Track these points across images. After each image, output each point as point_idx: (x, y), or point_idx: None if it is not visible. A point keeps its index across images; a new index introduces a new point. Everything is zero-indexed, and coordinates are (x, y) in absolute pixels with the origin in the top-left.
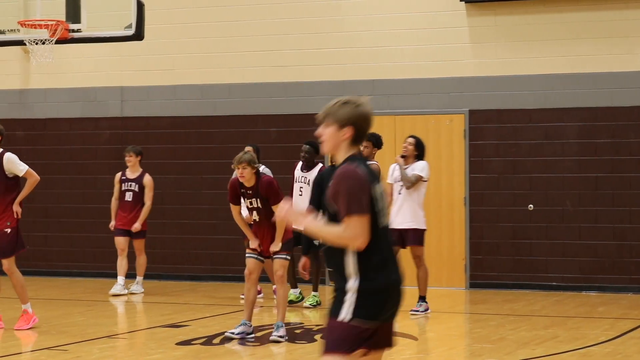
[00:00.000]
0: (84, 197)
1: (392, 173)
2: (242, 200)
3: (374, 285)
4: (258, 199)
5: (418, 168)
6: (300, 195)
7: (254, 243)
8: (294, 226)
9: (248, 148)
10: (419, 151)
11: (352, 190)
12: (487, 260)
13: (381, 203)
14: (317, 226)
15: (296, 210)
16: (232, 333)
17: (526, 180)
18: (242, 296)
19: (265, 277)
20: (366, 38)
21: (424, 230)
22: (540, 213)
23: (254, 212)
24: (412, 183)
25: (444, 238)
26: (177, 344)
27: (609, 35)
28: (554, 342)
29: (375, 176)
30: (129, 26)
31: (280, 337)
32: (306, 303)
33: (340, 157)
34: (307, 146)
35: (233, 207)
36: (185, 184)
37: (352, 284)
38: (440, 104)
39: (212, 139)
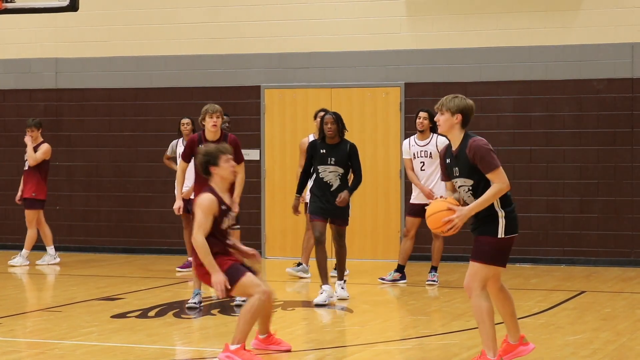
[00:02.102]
0: (18, 170)
1: (408, 148)
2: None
3: (510, 209)
4: None
5: (441, 144)
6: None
7: (178, 203)
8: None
9: (185, 120)
10: (433, 124)
11: (488, 152)
12: (422, 232)
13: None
14: (478, 204)
15: (462, 214)
16: (195, 303)
17: None
18: (178, 269)
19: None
20: (303, 10)
21: None
22: None
23: None
24: None
25: (380, 211)
26: (112, 317)
27: (544, 8)
28: None
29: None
30: None
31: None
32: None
33: (455, 136)
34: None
35: (181, 164)
36: (121, 157)
37: (500, 213)
38: (377, 77)
39: (148, 111)
